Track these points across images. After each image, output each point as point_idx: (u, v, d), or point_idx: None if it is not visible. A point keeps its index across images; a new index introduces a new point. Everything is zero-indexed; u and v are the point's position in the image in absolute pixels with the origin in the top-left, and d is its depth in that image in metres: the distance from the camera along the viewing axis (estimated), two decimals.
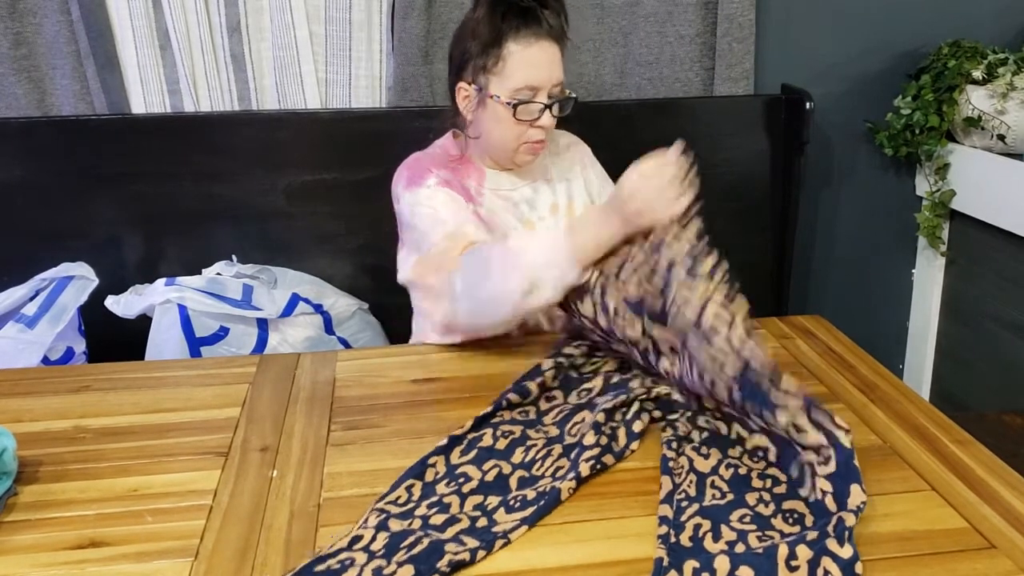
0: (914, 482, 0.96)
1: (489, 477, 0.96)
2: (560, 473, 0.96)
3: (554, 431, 1.06)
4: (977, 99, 1.87)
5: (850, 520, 0.85)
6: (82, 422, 1.12)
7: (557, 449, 1.01)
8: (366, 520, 0.88)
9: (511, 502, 0.92)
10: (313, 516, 0.91)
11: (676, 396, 1.08)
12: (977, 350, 2.01)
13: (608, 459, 0.98)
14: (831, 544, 0.83)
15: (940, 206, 2.01)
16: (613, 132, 1.60)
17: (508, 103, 1.32)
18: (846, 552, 0.81)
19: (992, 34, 2.01)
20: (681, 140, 1.16)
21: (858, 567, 0.81)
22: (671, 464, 0.97)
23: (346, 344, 1.73)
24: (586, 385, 1.15)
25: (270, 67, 1.87)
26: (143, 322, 1.63)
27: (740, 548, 0.84)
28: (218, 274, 1.73)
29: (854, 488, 0.87)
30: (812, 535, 0.84)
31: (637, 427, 1.04)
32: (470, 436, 1.04)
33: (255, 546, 0.87)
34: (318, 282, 1.82)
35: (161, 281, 1.64)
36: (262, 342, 1.65)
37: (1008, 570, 0.82)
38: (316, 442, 1.07)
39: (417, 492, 0.94)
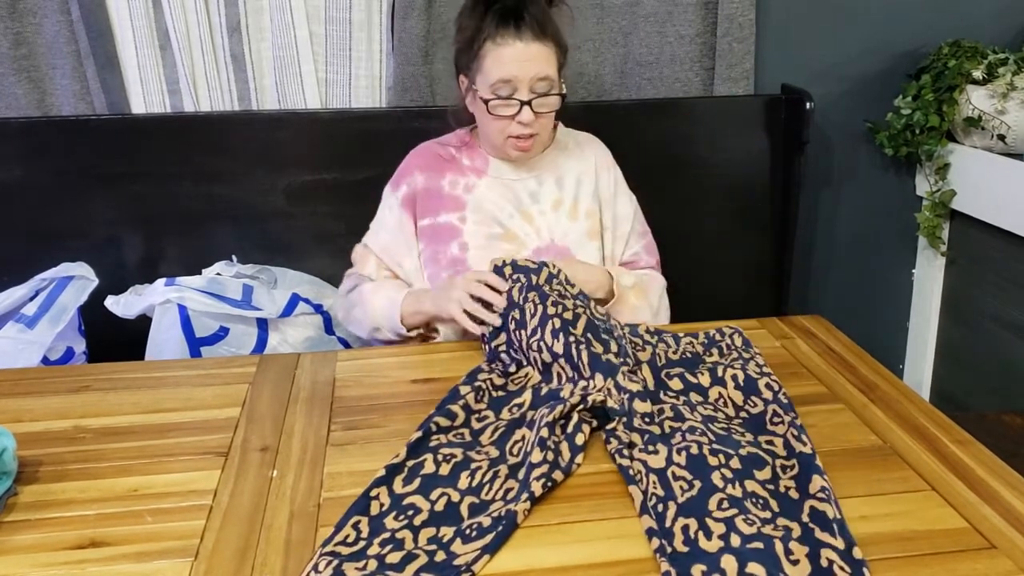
0: (914, 482, 0.96)
1: (439, 507, 0.92)
2: (511, 495, 0.93)
3: (494, 452, 1.03)
4: (977, 99, 1.87)
5: (829, 511, 0.87)
6: (82, 422, 1.12)
7: (503, 470, 0.98)
8: (316, 566, 0.82)
9: (466, 531, 0.88)
10: (313, 516, 0.92)
11: (611, 403, 1.07)
12: (977, 350, 2.01)
13: (557, 475, 0.96)
14: (823, 536, 0.85)
15: (940, 206, 2.01)
16: (613, 132, 1.60)
17: (484, 99, 1.34)
18: (839, 543, 0.83)
19: (992, 34, 2.01)
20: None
21: (856, 552, 0.82)
22: (631, 472, 0.96)
23: (346, 344, 1.73)
24: (516, 400, 1.14)
25: (270, 67, 1.87)
26: (143, 322, 1.63)
27: (735, 540, 0.84)
28: (218, 274, 1.73)
29: (814, 478, 0.93)
30: (795, 530, 0.86)
31: (579, 440, 1.02)
32: (410, 464, 0.99)
33: (255, 546, 0.87)
34: (318, 282, 1.82)
35: (161, 281, 1.64)
36: (262, 342, 1.65)
37: (1008, 570, 0.82)
38: (316, 442, 1.07)
39: (365, 529, 0.88)
